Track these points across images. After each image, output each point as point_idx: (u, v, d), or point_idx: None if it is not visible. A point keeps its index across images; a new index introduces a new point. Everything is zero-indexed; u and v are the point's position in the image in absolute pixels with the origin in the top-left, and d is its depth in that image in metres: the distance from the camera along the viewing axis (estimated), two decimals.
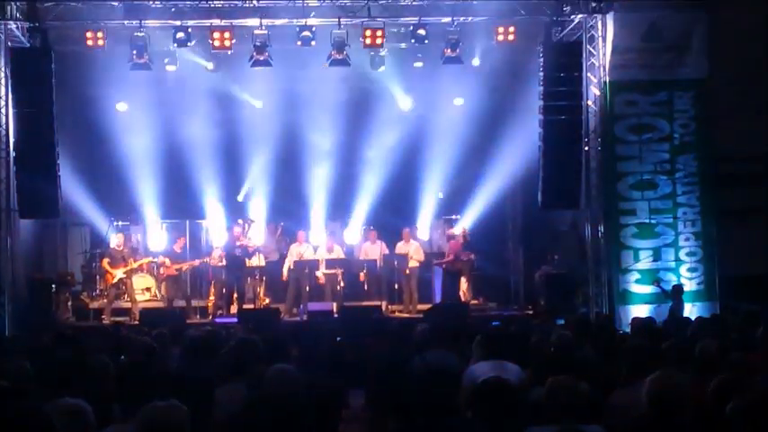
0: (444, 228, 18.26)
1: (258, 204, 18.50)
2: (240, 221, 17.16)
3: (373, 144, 18.33)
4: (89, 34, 14.71)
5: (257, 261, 16.54)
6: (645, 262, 14.67)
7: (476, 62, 16.26)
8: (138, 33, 14.76)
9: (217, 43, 14.95)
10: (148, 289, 17.54)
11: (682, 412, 4.68)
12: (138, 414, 4.10)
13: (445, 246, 17.33)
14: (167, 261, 16.39)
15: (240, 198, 18.75)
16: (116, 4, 14.77)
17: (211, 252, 16.87)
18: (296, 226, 17.57)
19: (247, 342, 6.54)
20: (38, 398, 5.11)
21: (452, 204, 18.57)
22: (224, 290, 16.18)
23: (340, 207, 18.62)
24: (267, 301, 16.57)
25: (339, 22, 14.78)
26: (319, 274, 16.37)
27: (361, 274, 16.63)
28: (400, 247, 16.74)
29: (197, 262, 16.71)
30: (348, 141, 18.34)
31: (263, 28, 14.89)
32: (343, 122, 18.07)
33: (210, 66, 16.45)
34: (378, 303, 15.88)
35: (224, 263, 16.30)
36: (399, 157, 18.16)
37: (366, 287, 16.64)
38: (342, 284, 16.39)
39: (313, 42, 14.96)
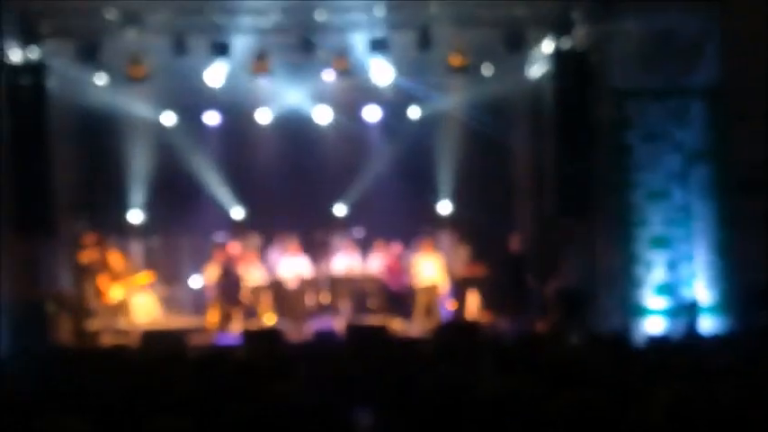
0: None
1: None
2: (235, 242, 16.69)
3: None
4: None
5: (258, 280, 16.17)
6: (658, 274, 14.37)
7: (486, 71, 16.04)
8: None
9: None
10: (148, 309, 17.21)
11: (698, 428, 4.65)
12: None
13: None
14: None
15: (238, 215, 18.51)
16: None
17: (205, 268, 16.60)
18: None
19: (251, 362, 6.56)
20: (34, 418, 5.00)
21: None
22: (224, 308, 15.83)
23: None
24: (273, 319, 16.23)
25: None
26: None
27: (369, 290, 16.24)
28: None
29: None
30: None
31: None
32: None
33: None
34: (384, 322, 15.55)
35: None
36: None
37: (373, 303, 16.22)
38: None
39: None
